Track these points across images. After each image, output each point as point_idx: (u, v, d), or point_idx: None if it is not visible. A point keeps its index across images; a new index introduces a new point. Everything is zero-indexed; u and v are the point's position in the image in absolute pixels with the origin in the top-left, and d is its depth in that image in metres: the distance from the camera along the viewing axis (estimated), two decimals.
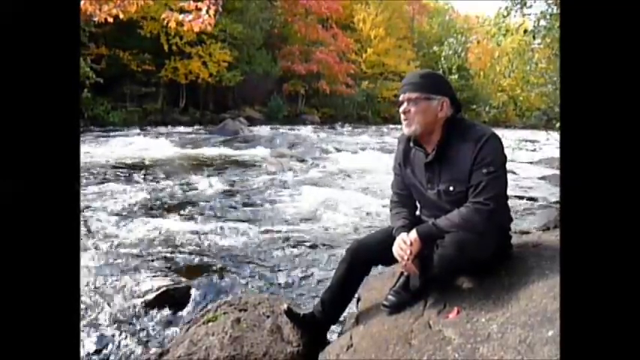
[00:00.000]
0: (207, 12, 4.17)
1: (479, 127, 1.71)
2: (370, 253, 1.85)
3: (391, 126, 23.10)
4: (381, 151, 10.38)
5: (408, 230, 1.71)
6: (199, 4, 4.27)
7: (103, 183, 5.97)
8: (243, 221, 4.34)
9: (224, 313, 2.00)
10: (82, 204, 4.65)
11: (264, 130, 15.73)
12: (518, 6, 5.99)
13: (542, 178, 7.60)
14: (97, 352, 2.13)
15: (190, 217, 4.41)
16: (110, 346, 2.17)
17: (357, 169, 8.03)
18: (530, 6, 5.94)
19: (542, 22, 5.78)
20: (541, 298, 1.48)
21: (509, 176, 1.77)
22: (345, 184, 6.70)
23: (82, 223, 3.97)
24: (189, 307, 2.55)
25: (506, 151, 1.71)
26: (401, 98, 1.73)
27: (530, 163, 10.13)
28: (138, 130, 14.41)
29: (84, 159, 7.94)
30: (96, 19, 4.54)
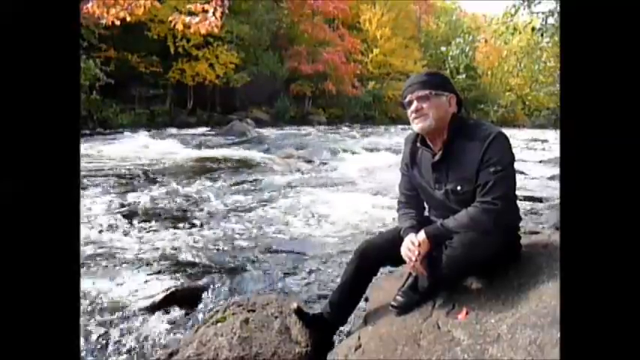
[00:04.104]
0: (213, 14, 4.20)
1: (485, 126, 1.70)
2: (378, 253, 1.85)
3: (400, 126, 23.03)
4: (390, 152, 10.35)
5: (416, 231, 1.70)
6: (206, 6, 4.30)
7: (110, 185, 6.02)
8: (250, 223, 4.36)
9: (233, 314, 2.01)
10: (90, 204, 4.70)
11: (271, 131, 15.77)
12: (526, 4, 5.95)
13: (552, 177, 7.52)
14: (104, 351, 2.14)
15: (198, 219, 4.43)
16: (117, 346, 2.18)
17: (365, 170, 8.03)
18: (540, 2, 5.90)
19: (550, 20, 5.74)
20: (551, 298, 1.47)
21: (518, 176, 1.76)
22: (353, 184, 6.70)
23: (87, 223, 4.01)
24: (198, 308, 2.56)
25: (515, 151, 1.70)
26: (408, 98, 1.73)
27: (540, 162, 10.03)
28: (146, 132, 14.50)
29: (91, 161, 8.02)
30: (104, 21, 4.59)
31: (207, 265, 3.16)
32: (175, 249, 3.46)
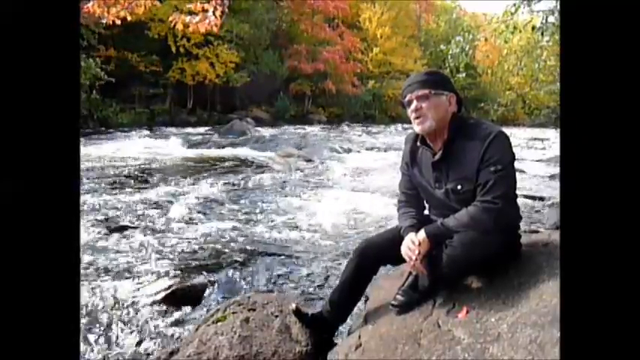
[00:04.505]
0: (213, 13, 4.20)
1: (486, 125, 1.70)
2: (378, 252, 1.85)
3: (399, 126, 23.00)
4: (390, 150, 10.35)
5: (416, 230, 1.70)
6: (206, 6, 4.30)
7: (105, 185, 6.02)
8: (253, 221, 4.36)
9: (233, 313, 2.01)
10: (83, 204, 4.70)
11: (270, 131, 15.77)
12: (526, 3, 5.95)
13: (552, 176, 7.52)
14: (105, 350, 2.14)
15: (201, 218, 4.43)
16: (119, 345, 2.18)
17: (364, 169, 8.03)
18: (540, 0, 5.90)
19: (551, 19, 5.74)
20: (551, 297, 1.47)
21: (518, 175, 1.76)
22: (354, 184, 6.70)
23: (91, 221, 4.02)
24: (199, 307, 2.56)
25: (515, 150, 1.70)
26: (408, 97, 1.73)
27: (540, 161, 10.02)
28: (146, 132, 14.49)
29: (94, 161, 8.03)
30: (104, 21, 4.59)
31: (198, 265, 3.15)
32: (169, 248, 3.46)
